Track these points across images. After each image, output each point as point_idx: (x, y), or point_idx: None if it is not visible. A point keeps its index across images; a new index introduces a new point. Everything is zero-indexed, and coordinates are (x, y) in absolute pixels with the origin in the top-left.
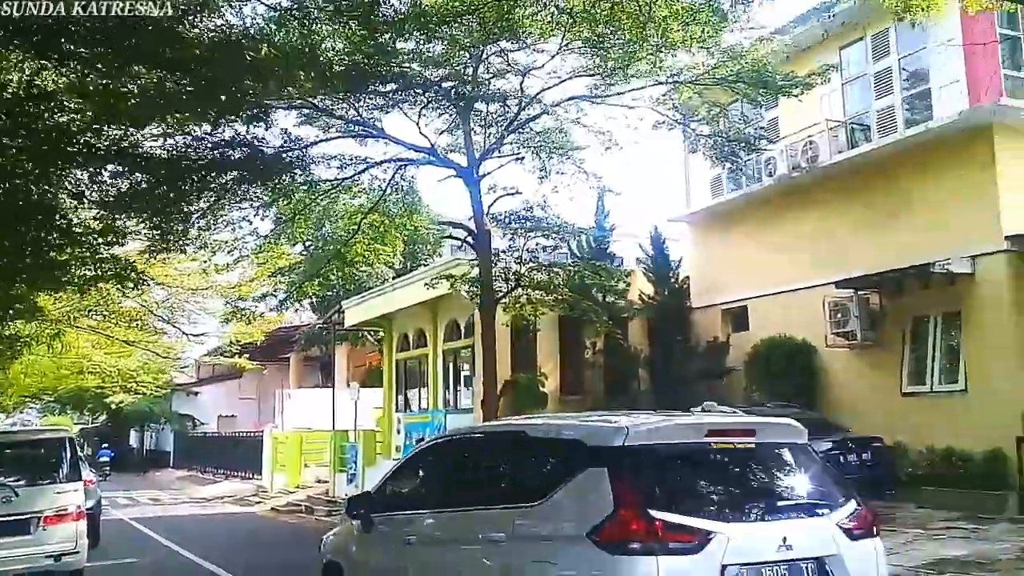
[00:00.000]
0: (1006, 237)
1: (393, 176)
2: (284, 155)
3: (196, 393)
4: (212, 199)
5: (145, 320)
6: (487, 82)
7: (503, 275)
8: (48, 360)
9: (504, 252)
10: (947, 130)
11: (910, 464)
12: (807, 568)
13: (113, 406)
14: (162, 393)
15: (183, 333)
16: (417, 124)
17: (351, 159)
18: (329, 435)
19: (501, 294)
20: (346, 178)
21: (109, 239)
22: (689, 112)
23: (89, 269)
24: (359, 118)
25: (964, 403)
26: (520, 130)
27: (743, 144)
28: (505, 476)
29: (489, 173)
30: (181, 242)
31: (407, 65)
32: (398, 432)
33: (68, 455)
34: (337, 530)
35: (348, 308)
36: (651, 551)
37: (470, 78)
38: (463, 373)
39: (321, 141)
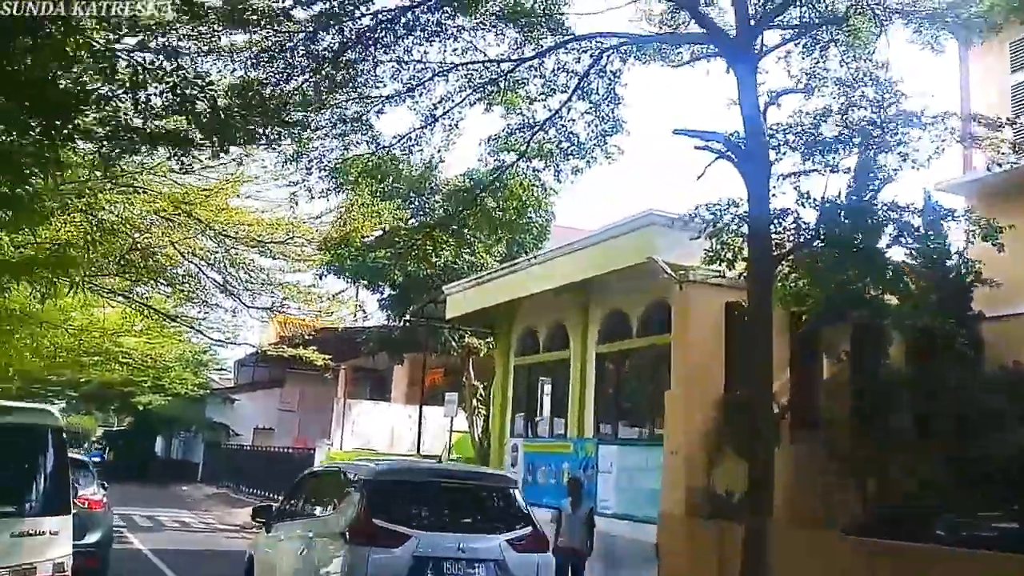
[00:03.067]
0: None
1: (592, 66)
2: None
3: (234, 400)
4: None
5: (192, 285)
6: None
7: (787, 221)
8: (66, 336)
9: (791, 176)
10: None
11: None
12: (480, 567)
13: (140, 407)
14: (198, 395)
15: (244, 305)
16: None
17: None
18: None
19: (782, 252)
20: (523, 60)
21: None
22: None
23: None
24: None
25: None
26: None
27: None
28: (325, 497)
29: (762, 54)
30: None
31: None
32: (513, 465)
33: (50, 462)
34: (257, 532)
35: (451, 295)
36: (369, 543)
37: None
38: (628, 385)
39: None
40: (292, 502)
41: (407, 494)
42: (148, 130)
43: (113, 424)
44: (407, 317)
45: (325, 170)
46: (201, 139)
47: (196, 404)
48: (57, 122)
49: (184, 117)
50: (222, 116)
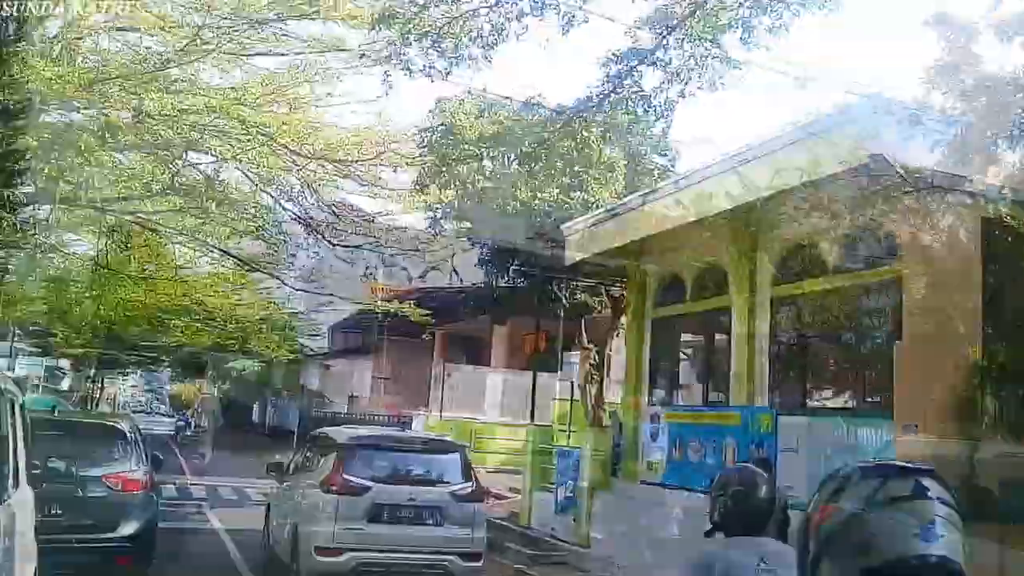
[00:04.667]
0: None
1: None
2: None
3: (328, 367)
4: None
5: (265, 217)
6: None
7: None
8: (134, 287)
9: None
10: None
11: None
12: (425, 511)
13: (234, 373)
14: (292, 359)
15: (329, 243)
16: None
17: None
18: (523, 431)
19: None
20: None
21: None
22: None
23: None
24: None
25: None
26: None
27: None
28: (318, 455)
29: None
30: None
31: None
32: (653, 439)
33: None
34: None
35: (571, 235)
36: (338, 493)
37: None
38: (820, 339)
39: None
40: (297, 459)
41: (373, 455)
42: None
43: (215, 391)
44: (514, 267)
45: (426, 37)
46: None
47: (290, 371)
48: None
49: None
50: None
